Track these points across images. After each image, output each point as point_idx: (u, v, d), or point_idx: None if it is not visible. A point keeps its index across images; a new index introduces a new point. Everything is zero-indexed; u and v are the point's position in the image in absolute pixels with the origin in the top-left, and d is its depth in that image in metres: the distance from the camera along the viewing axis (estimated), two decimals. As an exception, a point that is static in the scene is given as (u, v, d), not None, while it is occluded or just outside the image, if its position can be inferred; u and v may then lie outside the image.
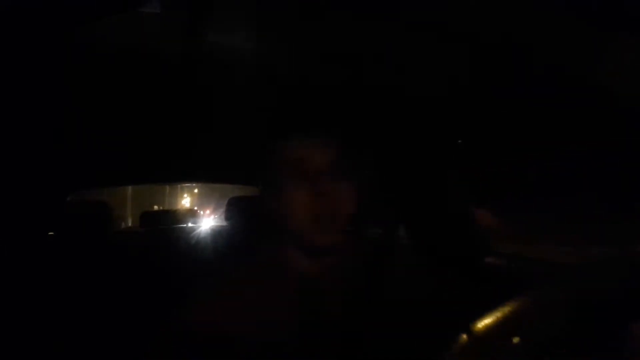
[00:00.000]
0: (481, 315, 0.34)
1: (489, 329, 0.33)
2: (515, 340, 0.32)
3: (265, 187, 0.71)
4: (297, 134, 0.65)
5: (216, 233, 2.24)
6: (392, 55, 0.76)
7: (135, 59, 0.77)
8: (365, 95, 0.98)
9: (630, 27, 0.59)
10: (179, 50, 0.75)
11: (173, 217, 3.14)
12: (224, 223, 2.18)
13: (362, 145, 0.71)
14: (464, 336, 0.32)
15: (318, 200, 0.63)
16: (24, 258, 1.34)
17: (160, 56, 0.77)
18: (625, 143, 0.93)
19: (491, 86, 0.88)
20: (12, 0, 0.55)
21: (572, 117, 0.93)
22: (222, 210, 2.19)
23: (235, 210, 1.95)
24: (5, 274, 1.23)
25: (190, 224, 3.36)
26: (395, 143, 1.35)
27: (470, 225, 1.41)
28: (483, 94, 0.94)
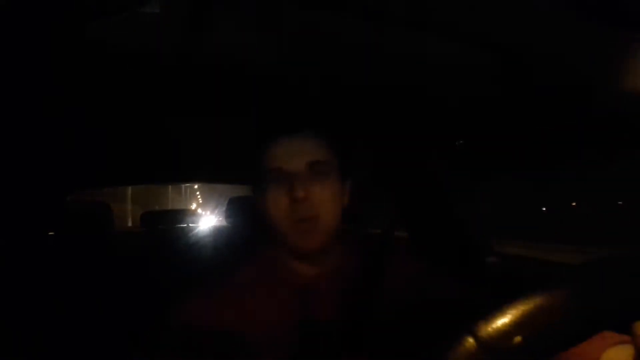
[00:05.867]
0: (482, 315, 0.34)
1: (491, 329, 0.33)
2: (517, 339, 0.32)
3: (255, 192, 0.71)
4: (275, 139, 0.65)
5: (216, 233, 2.24)
6: (386, 55, 0.76)
7: (134, 58, 0.77)
8: (364, 95, 0.98)
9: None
10: (178, 50, 0.75)
11: (173, 217, 3.14)
12: (223, 220, 2.18)
13: (350, 146, 0.71)
14: (468, 338, 0.32)
15: (297, 205, 0.62)
16: (24, 258, 1.34)
17: (160, 56, 0.77)
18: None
19: (492, 87, 0.88)
20: (11, 0, 0.55)
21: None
22: (221, 208, 2.20)
23: (235, 210, 1.95)
24: (5, 274, 1.23)
25: (190, 224, 3.36)
26: (394, 144, 1.35)
27: (470, 226, 1.41)
28: (484, 95, 0.93)
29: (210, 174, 2.02)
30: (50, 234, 1.65)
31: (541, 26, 0.63)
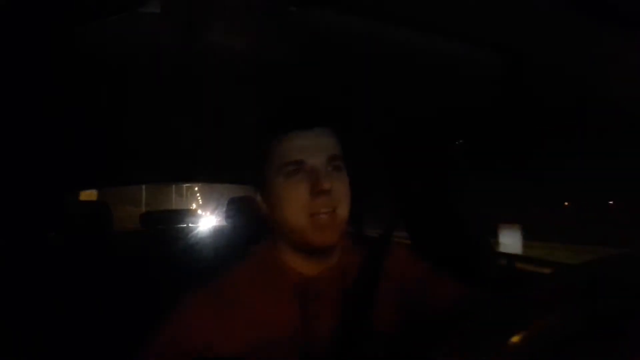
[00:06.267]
0: (481, 314, 0.34)
1: (489, 328, 0.33)
2: (515, 339, 0.32)
3: (259, 189, 0.71)
4: (293, 134, 0.65)
5: (216, 233, 2.24)
6: (386, 55, 0.76)
7: (135, 58, 0.77)
8: (365, 94, 0.98)
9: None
10: (178, 50, 0.75)
11: (173, 217, 3.13)
12: (223, 221, 2.18)
13: (360, 143, 0.71)
14: (465, 335, 0.32)
15: (318, 198, 0.63)
16: (24, 258, 1.34)
17: (160, 56, 0.77)
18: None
19: (492, 87, 0.88)
20: (11, 0, 0.55)
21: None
22: (222, 209, 2.20)
23: (235, 209, 1.95)
24: (4, 274, 1.23)
25: (190, 224, 3.35)
26: (394, 143, 1.35)
27: (471, 226, 1.41)
28: (483, 95, 0.94)
29: (210, 174, 2.02)
30: (51, 235, 1.65)
31: (541, 26, 0.63)
